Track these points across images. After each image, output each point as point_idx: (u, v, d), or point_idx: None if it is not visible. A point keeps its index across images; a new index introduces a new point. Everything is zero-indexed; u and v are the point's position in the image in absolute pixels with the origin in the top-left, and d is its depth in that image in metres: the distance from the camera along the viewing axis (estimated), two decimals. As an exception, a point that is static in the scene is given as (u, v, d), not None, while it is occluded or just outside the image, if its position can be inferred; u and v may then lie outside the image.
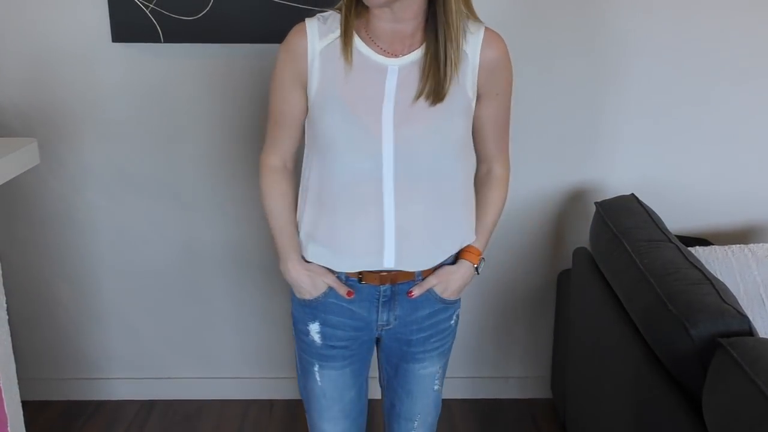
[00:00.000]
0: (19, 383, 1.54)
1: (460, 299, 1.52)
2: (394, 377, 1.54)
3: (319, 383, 1.49)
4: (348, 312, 1.42)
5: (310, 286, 1.43)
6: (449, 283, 1.42)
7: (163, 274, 2.43)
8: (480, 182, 1.47)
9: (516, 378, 2.56)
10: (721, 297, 1.47)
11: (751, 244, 2.03)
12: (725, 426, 1.26)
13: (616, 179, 2.32)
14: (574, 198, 2.36)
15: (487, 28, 1.35)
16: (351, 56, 1.28)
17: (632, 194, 2.07)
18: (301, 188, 1.42)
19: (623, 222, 1.89)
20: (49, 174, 2.30)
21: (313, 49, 1.30)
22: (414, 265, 1.38)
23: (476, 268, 1.47)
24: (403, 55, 1.29)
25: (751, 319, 1.44)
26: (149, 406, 2.53)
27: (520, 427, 2.43)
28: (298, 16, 2.01)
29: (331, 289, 1.41)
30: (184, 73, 2.21)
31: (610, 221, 1.92)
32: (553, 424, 2.44)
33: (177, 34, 2.10)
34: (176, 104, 2.24)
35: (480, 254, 1.47)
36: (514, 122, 2.30)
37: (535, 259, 2.43)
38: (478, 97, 1.36)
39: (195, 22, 2.08)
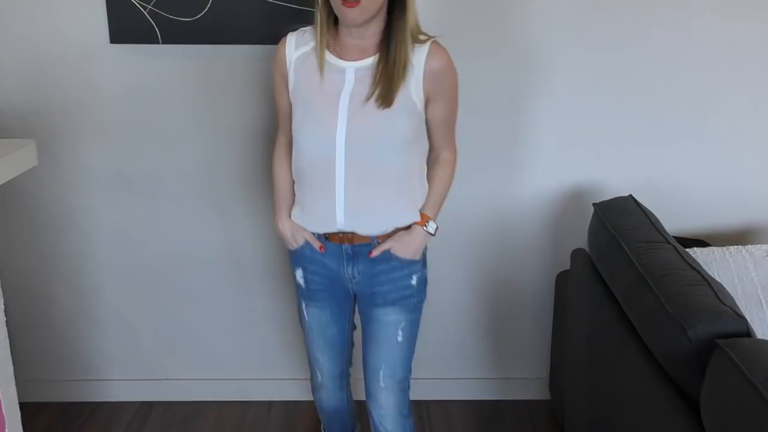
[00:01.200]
0: (16, 385, 1.54)
1: (420, 263, 1.76)
2: (365, 324, 1.81)
3: (307, 319, 1.84)
4: (321, 263, 1.75)
5: (291, 238, 1.76)
6: (404, 245, 1.69)
7: (160, 276, 2.43)
8: (430, 165, 1.77)
9: (514, 379, 2.56)
10: (718, 298, 1.47)
11: (749, 246, 2.03)
12: (723, 427, 1.26)
13: (614, 180, 2.32)
14: (573, 199, 2.36)
15: (433, 42, 1.62)
16: (323, 63, 1.61)
17: (630, 195, 2.07)
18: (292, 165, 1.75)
19: (621, 223, 1.89)
20: (47, 175, 2.30)
21: (290, 58, 1.66)
22: (361, 229, 1.68)
23: (426, 230, 1.72)
24: (360, 60, 1.60)
25: (748, 320, 1.44)
26: (147, 407, 2.52)
27: (518, 429, 2.43)
28: (295, 18, 2.05)
29: (308, 242, 1.74)
30: (183, 74, 2.21)
31: (609, 222, 1.92)
32: (552, 426, 2.44)
33: (175, 35, 2.10)
34: (174, 105, 2.24)
35: (427, 218, 1.72)
36: (513, 123, 2.31)
37: (534, 261, 2.43)
38: (427, 101, 1.64)
39: (193, 24, 2.08)
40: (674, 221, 2.26)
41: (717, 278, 1.82)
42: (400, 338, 1.77)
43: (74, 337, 2.49)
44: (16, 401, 1.54)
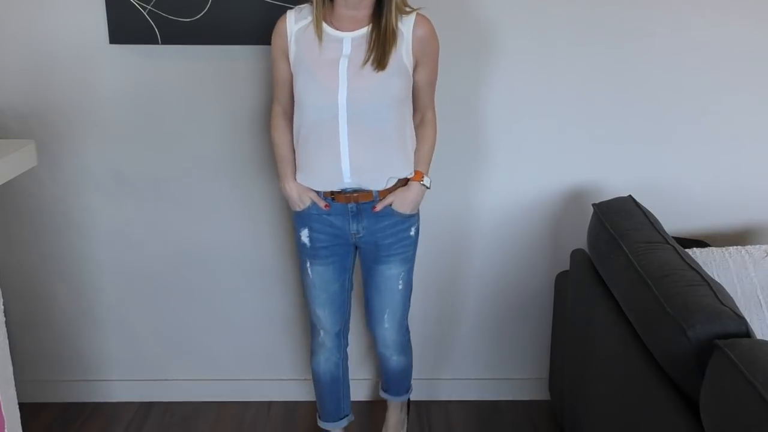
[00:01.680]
0: (16, 385, 1.54)
1: (416, 216, 1.96)
2: (368, 277, 2.01)
3: (311, 277, 1.99)
4: (327, 222, 1.91)
5: (297, 199, 1.90)
6: (403, 200, 1.88)
7: (160, 276, 2.43)
8: (417, 126, 1.93)
9: (514, 379, 2.56)
10: (718, 298, 1.47)
11: (749, 246, 2.03)
12: (722, 427, 1.26)
13: (613, 181, 2.32)
14: (572, 199, 2.36)
15: (418, 13, 1.82)
16: (321, 34, 1.78)
17: (630, 196, 2.07)
18: (293, 131, 1.89)
19: (621, 224, 1.89)
20: (47, 175, 2.30)
21: (291, 30, 1.83)
22: (367, 184, 1.85)
23: (422, 184, 1.91)
24: (355, 30, 1.78)
25: (748, 320, 1.44)
26: (147, 407, 2.52)
27: (518, 429, 2.43)
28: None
29: (314, 203, 1.89)
30: (182, 74, 2.21)
31: (608, 223, 1.92)
32: (552, 426, 2.44)
33: (175, 35, 2.10)
34: (174, 106, 2.24)
35: (422, 174, 1.91)
36: (513, 123, 2.31)
37: (533, 261, 2.43)
38: (415, 66, 1.83)
39: (193, 24, 2.08)
40: (674, 221, 2.26)
41: (716, 279, 1.82)
42: (400, 287, 1.99)
43: (74, 338, 2.49)
44: (16, 401, 1.54)
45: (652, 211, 2.00)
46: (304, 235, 1.94)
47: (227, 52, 2.18)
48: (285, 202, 2.33)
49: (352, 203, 1.87)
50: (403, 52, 1.78)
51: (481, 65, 2.21)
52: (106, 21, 2.11)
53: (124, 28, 2.10)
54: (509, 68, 2.22)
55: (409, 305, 2.08)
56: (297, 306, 2.47)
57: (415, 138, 1.92)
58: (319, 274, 1.98)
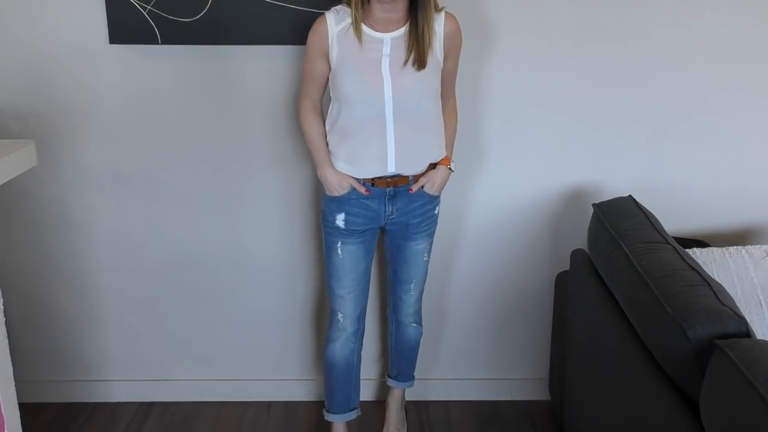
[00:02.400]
0: (16, 385, 1.54)
1: (439, 197, 2.10)
2: (397, 253, 2.17)
3: (341, 256, 2.09)
4: (365, 206, 2.03)
5: (338, 185, 2.00)
6: (434, 182, 2.03)
7: (160, 276, 2.43)
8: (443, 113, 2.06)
9: (514, 380, 2.56)
10: (718, 299, 1.47)
11: (749, 246, 2.03)
12: (723, 428, 1.26)
13: (613, 181, 2.32)
14: (572, 199, 2.36)
15: (446, 12, 1.95)
16: (361, 35, 1.88)
17: (630, 196, 2.07)
18: (327, 123, 2.01)
19: (621, 224, 1.89)
20: (47, 176, 2.30)
21: (332, 31, 1.91)
22: (408, 170, 1.99)
23: (449, 168, 2.06)
24: (393, 31, 1.89)
25: (748, 320, 1.44)
26: (147, 407, 2.53)
27: (518, 429, 2.43)
28: (295, 18, 2.04)
29: (353, 189, 2.00)
30: (182, 74, 2.21)
31: (608, 223, 1.92)
32: (552, 426, 2.44)
33: (175, 35, 2.10)
34: (174, 106, 2.24)
35: (449, 159, 2.07)
36: (513, 123, 2.31)
37: (533, 261, 2.43)
38: (444, 59, 1.96)
39: (193, 24, 2.08)
40: (674, 221, 2.26)
41: (717, 279, 1.82)
42: (425, 258, 2.17)
43: (74, 338, 2.49)
44: (16, 401, 1.54)
45: (652, 211, 2.00)
46: (340, 219, 2.04)
47: (227, 52, 2.18)
48: (285, 201, 2.34)
49: (391, 188, 2.00)
50: (437, 48, 1.92)
51: (480, 65, 2.21)
52: (106, 21, 2.11)
53: (124, 28, 2.10)
54: (509, 68, 2.22)
55: (422, 291, 2.25)
56: (297, 306, 2.47)
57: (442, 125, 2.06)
58: (350, 252, 2.08)
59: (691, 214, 2.36)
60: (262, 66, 2.19)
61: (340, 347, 2.16)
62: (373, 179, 1.99)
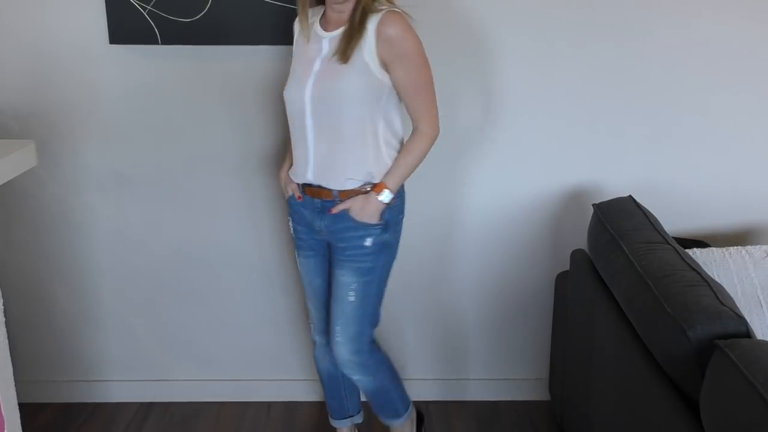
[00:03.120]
0: (16, 385, 1.54)
1: (380, 229, 1.86)
2: (331, 280, 1.96)
3: (299, 267, 2.05)
4: (301, 213, 1.95)
5: (283, 188, 2.01)
6: (359, 208, 1.83)
7: (160, 276, 2.43)
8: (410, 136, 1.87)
9: (514, 380, 2.56)
10: (718, 299, 1.47)
11: (749, 246, 2.03)
12: (723, 428, 1.26)
13: (613, 181, 2.32)
14: (572, 200, 2.36)
15: (388, 11, 1.76)
16: (307, 33, 1.85)
17: (630, 196, 2.07)
18: None
19: (621, 224, 1.89)
20: (47, 176, 2.30)
21: (295, 29, 1.91)
22: (325, 182, 1.85)
23: (379, 199, 1.82)
24: (335, 30, 1.80)
25: (748, 321, 1.44)
26: (147, 408, 2.52)
27: (518, 429, 2.43)
28: (295, 19, 2.01)
29: (293, 193, 1.94)
30: (182, 74, 2.21)
31: (608, 223, 1.92)
32: (552, 426, 2.43)
33: (174, 35, 2.10)
34: (173, 106, 2.24)
35: (383, 187, 1.83)
36: (513, 123, 2.31)
37: (533, 261, 2.43)
38: (386, 67, 1.77)
39: (192, 24, 2.08)
40: (674, 222, 2.26)
41: (716, 279, 1.82)
42: (351, 299, 1.90)
43: (73, 338, 2.49)
44: (16, 402, 1.54)
45: (652, 211, 2.00)
46: (291, 224, 2.02)
47: (227, 52, 2.18)
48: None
49: (317, 199, 1.88)
50: (365, 49, 1.75)
51: (480, 64, 2.21)
52: (106, 21, 2.11)
53: (124, 28, 2.10)
54: (509, 68, 2.22)
55: (369, 328, 1.96)
56: (297, 306, 2.47)
57: (392, 145, 1.86)
58: (303, 266, 2.03)
59: (691, 214, 2.36)
60: (261, 66, 2.19)
61: (320, 357, 2.13)
62: (304, 186, 1.89)
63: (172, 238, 2.38)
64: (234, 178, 2.32)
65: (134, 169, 2.31)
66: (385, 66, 1.77)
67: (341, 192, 1.84)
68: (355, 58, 1.75)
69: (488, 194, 2.35)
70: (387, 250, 1.91)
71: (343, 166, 1.83)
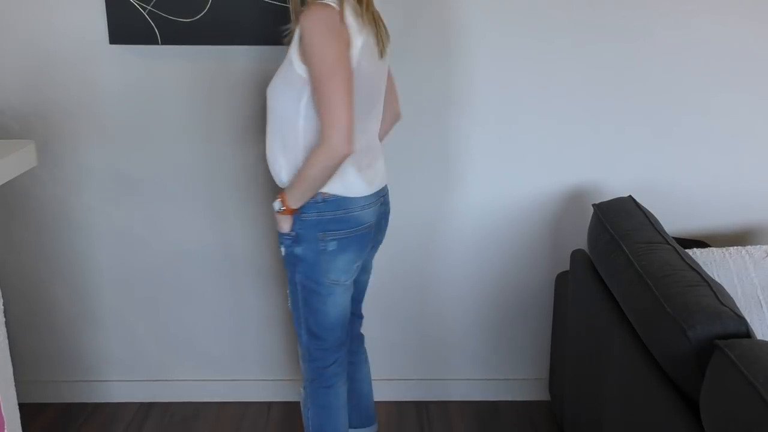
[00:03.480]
0: (16, 386, 1.54)
1: (290, 240, 1.76)
2: None
3: None
4: None
5: None
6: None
7: (160, 276, 2.43)
8: None
9: (514, 380, 2.56)
10: (718, 299, 1.47)
11: (749, 246, 2.03)
12: (723, 427, 1.26)
13: (613, 181, 2.32)
14: (572, 200, 2.36)
15: (315, 3, 1.59)
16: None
17: (630, 196, 2.07)
18: None
19: (621, 224, 1.89)
20: (47, 176, 2.30)
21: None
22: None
23: (273, 204, 1.74)
24: None
25: (748, 321, 1.44)
26: (147, 408, 2.52)
27: (518, 429, 2.43)
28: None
29: None
30: (182, 75, 2.21)
31: (608, 223, 1.92)
32: (552, 427, 2.43)
33: (175, 35, 2.10)
34: (174, 106, 2.24)
35: (281, 196, 1.73)
36: (512, 123, 2.30)
37: (533, 261, 2.43)
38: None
39: (193, 24, 2.08)
40: (674, 222, 2.26)
41: (716, 279, 1.82)
42: (289, 303, 1.86)
43: (73, 338, 2.49)
44: (16, 402, 1.54)
45: (652, 212, 2.00)
46: None
47: (227, 52, 2.18)
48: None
49: None
50: (292, 49, 1.65)
51: (480, 64, 2.21)
52: (106, 21, 2.11)
53: (124, 28, 2.10)
54: (509, 69, 2.22)
55: (302, 335, 1.85)
56: (297, 306, 2.47)
57: (300, 150, 1.71)
58: None
59: (691, 214, 2.36)
60: (261, 66, 2.19)
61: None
62: None
63: (172, 238, 2.38)
64: (234, 178, 2.32)
65: (134, 168, 2.31)
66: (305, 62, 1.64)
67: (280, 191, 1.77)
68: (289, 51, 1.67)
69: (488, 194, 2.35)
70: (300, 264, 1.76)
71: (272, 158, 1.77)
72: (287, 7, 2.03)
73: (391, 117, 1.94)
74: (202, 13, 2.08)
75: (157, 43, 2.10)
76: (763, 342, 1.33)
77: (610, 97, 2.25)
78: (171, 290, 2.44)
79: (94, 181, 2.31)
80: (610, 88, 2.24)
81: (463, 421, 2.47)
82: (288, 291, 1.84)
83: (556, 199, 2.36)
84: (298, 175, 1.68)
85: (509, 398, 2.57)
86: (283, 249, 1.78)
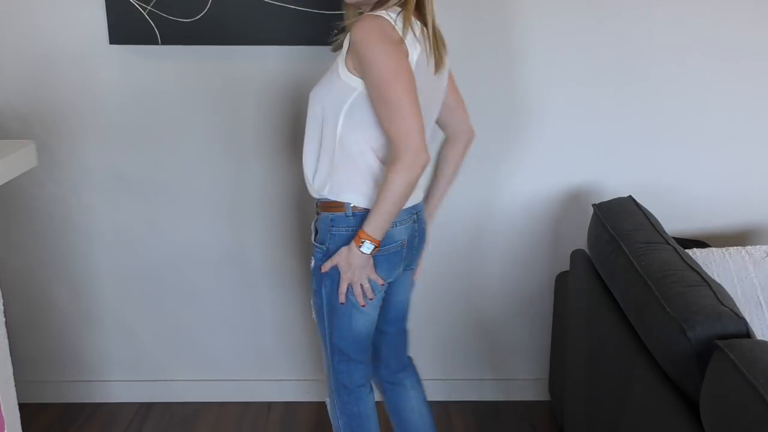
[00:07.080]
0: (16, 386, 1.54)
1: (321, 252, 1.70)
2: None
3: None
4: None
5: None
6: (344, 259, 1.66)
7: (160, 276, 2.43)
8: None
9: (514, 380, 2.56)
10: (718, 299, 1.47)
11: (749, 246, 2.03)
12: (723, 428, 1.26)
13: (613, 181, 2.32)
14: (572, 200, 2.36)
15: (367, 14, 1.54)
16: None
17: (630, 196, 2.07)
18: None
19: (621, 224, 1.89)
20: (47, 176, 2.30)
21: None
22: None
23: (360, 250, 1.61)
24: None
25: (748, 321, 1.44)
26: (147, 408, 2.52)
27: (518, 430, 2.43)
28: (295, 19, 2.03)
29: None
30: (182, 75, 2.21)
31: (608, 223, 1.92)
32: (552, 427, 2.44)
33: (175, 36, 2.10)
34: (173, 106, 2.24)
35: (362, 238, 1.60)
36: (512, 123, 2.30)
37: (533, 262, 2.43)
38: (358, 73, 1.56)
39: (193, 24, 2.08)
40: (674, 222, 2.26)
41: (716, 279, 1.82)
42: (313, 315, 1.81)
43: (74, 338, 2.49)
44: (16, 402, 1.54)
45: (652, 212, 2.00)
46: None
47: (227, 52, 2.18)
48: (285, 201, 2.34)
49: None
50: (341, 56, 1.59)
51: (479, 64, 2.21)
52: (106, 21, 2.11)
53: (124, 28, 2.10)
54: (508, 69, 2.22)
55: (327, 347, 1.79)
56: (297, 306, 2.47)
57: (336, 153, 1.65)
58: None
59: (691, 214, 2.36)
60: (262, 66, 2.19)
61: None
62: None
63: (172, 238, 2.38)
64: (234, 178, 2.32)
65: (134, 169, 2.31)
66: (357, 72, 1.56)
67: (317, 202, 1.74)
68: (336, 63, 1.61)
69: (488, 194, 2.35)
70: (328, 278, 1.71)
71: (309, 172, 1.72)
72: (287, 7, 2.04)
73: (466, 136, 1.85)
74: (202, 13, 2.08)
75: (157, 43, 2.11)
76: (763, 342, 1.33)
77: (610, 96, 2.25)
78: (171, 290, 2.44)
79: (93, 181, 2.31)
80: (610, 88, 2.24)
81: (464, 421, 2.47)
82: (312, 301, 1.80)
83: (556, 199, 2.36)
84: (378, 209, 1.57)
85: (509, 398, 2.57)
86: (313, 261, 1.74)
